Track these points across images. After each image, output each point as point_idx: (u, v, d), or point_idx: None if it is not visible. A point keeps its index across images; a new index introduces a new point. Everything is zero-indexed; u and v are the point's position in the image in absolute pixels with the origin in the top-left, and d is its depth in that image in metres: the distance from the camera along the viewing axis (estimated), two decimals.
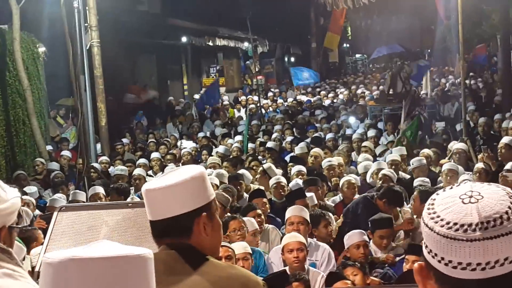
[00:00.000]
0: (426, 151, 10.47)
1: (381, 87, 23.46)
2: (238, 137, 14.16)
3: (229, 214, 6.92)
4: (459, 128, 13.06)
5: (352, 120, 16.53)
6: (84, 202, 8.38)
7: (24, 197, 8.36)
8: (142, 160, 12.29)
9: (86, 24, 13.84)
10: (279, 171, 9.68)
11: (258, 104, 20.60)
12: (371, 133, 13.07)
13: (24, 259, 5.56)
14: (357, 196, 8.10)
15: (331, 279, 5.22)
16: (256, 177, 9.79)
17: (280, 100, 23.56)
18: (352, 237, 6.17)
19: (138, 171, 10.70)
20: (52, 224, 3.21)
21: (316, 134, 14.55)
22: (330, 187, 9.32)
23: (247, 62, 31.82)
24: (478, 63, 27.82)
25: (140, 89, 21.67)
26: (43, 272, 1.48)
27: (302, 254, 5.65)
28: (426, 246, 1.42)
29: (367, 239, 6.25)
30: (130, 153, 14.48)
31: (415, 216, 7.01)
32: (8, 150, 13.08)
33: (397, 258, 6.25)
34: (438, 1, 21.01)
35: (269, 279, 4.68)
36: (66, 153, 13.24)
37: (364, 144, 11.86)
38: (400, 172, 9.60)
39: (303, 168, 9.52)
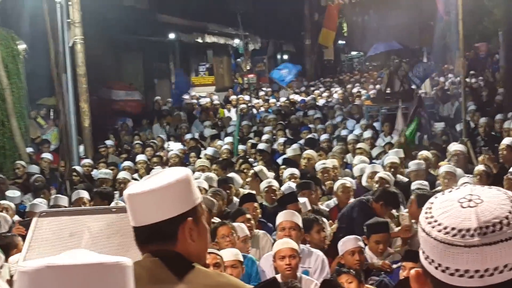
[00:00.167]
0: (424, 153, 10.48)
1: (378, 86, 23.50)
2: (228, 139, 14.15)
3: (216, 218, 6.92)
4: (459, 129, 13.09)
5: (348, 120, 16.55)
6: (66, 207, 8.35)
7: (2, 201, 8.33)
8: (127, 163, 12.25)
9: (68, 20, 13.81)
10: (271, 174, 9.67)
11: (249, 104, 20.60)
12: (367, 134, 13.08)
13: (1, 267, 5.53)
14: (352, 200, 8.10)
15: (325, 287, 5.22)
16: (247, 180, 9.78)
17: (272, 100, 23.55)
18: (346, 243, 6.17)
19: (122, 175, 10.68)
20: (31, 230, 3.19)
21: (310, 135, 14.55)
22: (324, 191, 9.32)
23: (238, 60, 31.79)
24: (480, 61, 27.97)
25: (125, 86, 21.59)
26: (18, 281, 1.48)
27: (295, 261, 5.65)
28: (423, 252, 1.42)
29: (363, 245, 6.25)
30: (114, 156, 14.44)
31: (413, 221, 7.01)
32: None
33: (394, 265, 6.25)
34: None
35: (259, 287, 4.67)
36: (47, 155, 13.18)
37: (358, 145, 11.85)
38: (397, 175, 9.62)
39: (296, 171, 9.51)
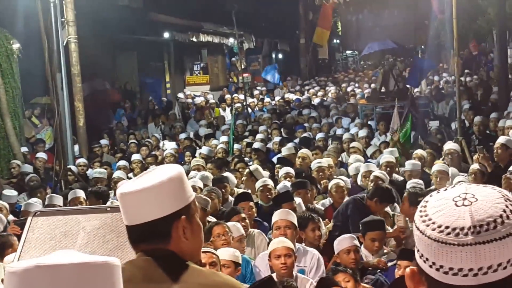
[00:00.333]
0: (419, 151, 10.50)
1: (372, 85, 23.53)
2: (223, 138, 14.15)
3: (212, 218, 6.92)
4: (454, 128, 13.11)
5: (343, 119, 16.55)
6: (61, 206, 8.34)
7: None
8: (122, 162, 12.25)
9: (62, 19, 13.78)
10: (266, 173, 9.67)
11: (244, 103, 20.59)
12: (362, 133, 13.07)
13: None
14: (347, 198, 8.11)
15: (322, 285, 5.22)
16: (242, 179, 9.78)
17: (267, 99, 23.56)
18: (342, 242, 6.18)
19: (118, 174, 10.67)
20: (26, 230, 3.18)
21: (304, 134, 14.56)
22: (319, 190, 9.32)
23: (233, 59, 31.78)
24: (474, 60, 28.00)
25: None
26: (7, 281, 1.48)
27: (290, 260, 5.65)
28: (418, 250, 1.42)
29: (358, 244, 6.26)
30: (109, 155, 14.43)
31: (408, 222, 7.02)
32: None
33: (389, 264, 6.26)
34: None
35: (256, 287, 4.67)
36: (41, 155, 13.17)
37: (352, 144, 11.83)
38: (393, 174, 9.63)
39: (291, 170, 9.52)
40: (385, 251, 6.65)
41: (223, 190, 8.46)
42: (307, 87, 28.69)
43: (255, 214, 7.68)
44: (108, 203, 8.13)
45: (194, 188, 7.85)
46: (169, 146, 14.10)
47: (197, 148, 13.94)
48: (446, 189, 1.45)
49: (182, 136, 15.63)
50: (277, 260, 5.65)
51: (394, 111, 13.29)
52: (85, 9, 15.55)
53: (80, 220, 3.18)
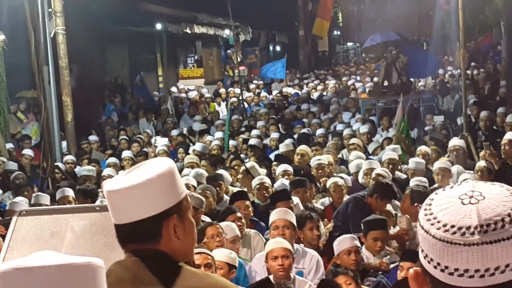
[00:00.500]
0: (423, 148, 10.49)
1: (375, 79, 23.55)
2: (218, 134, 14.14)
3: (206, 217, 6.91)
4: (459, 123, 13.11)
5: (344, 113, 16.56)
6: (47, 205, 8.32)
7: None
8: (112, 159, 12.24)
9: (50, 10, 13.75)
10: (262, 171, 9.67)
11: (240, 97, 20.59)
12: (363, 128, 13.06)
13: None
14: (347, 197, 8.12)
15: (323, 287, 5.23)
16: (238, 177, 9.78)
17: (264, 93, 23.57)
18: (342, 243, 6.18)
19: (107, 171, 10.66)
20: (10, 230, 3.18)
21: (303, 130, 14.56)
22: (319, 188, 9.32)
23: (228, 51, 31.78)
24: (481, 52, 28.02)
25: None
26: None
27: (288, 262, 5.64)
28: (422, 250, 1.42)
29: (359, 245, 6.26)
30: (98, 152, 14.42)
31: (410, 220, 7.02)
32: None
33: (391, 265, 6.26)
34: None
35: None
36: (28, 151, 13.14)
37: (352, 141, 11.80)
38: (396, 172, 9.63)
39: (289, 168, 9.51)
40: (387, 250, 6.65)
41: (217, 189, 8.45)
42: (306, 81, 28.72)
43: (252, 214, 7.67)
44: (98, 202, 8.11)
45: (188, 186, 7.84)
46: (161, 142, 14.10)
47: (191, 144, 13.93)
48: (452, 187, 1.45)
49: (174, 132, 15.62)
50: (274, 262, 5.65)
51: (398, 106, 13.29)
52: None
53: (68, 219, 3.18)
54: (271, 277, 5.62)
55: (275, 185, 8.63)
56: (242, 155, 11.96)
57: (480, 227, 1.34)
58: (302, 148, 10.91)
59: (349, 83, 26.09)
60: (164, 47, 27.00)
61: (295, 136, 13.82)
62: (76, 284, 1.49)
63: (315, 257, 6.32)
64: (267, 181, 8.54)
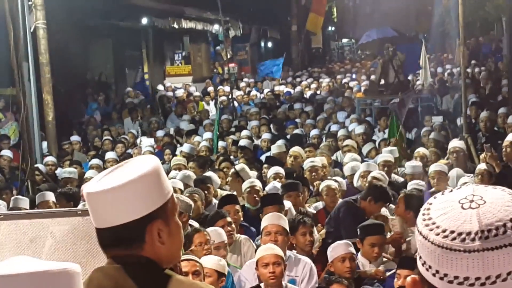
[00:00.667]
0: (421, 150, 10.51)
1: (372, 77, 23.58)
2: (207, 134, 14.13)
3: (194, 222, 6.89)
4: (459, 124, 13.14)
5: (339, 113, 16.56)
6: (27, 209, 8.30)
7: None
8: (95, 161, 12.21)
9: (30, 3, 13.70)
10: (253, 173, 9.67)
11: (230, 96, 20.57)
12: (359, 129, 13.07)
13: None
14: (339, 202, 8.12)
15: None
16: (227, 180, 9.77)
17: (253, 92, 23.52)
18: (336, 249, 6.18)
19: (90, 174, 10.62)
20: None
21: (296, 131, 14.56)
22: (312, 192, 9.32)
23: (218, 47, 31.74)
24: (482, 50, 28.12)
25: None
26: None
27: (279, 269, 5.64)
28: (420, 257, 1.42)
29: (354, 251, 6.26)
30: (81, 153, 14.38)
31: (406, 225, 7.03)
32: None
33: (388, 273, 6.27)
34: None
35: None
36: (6, 152, 13.08)
37: (346, 142, 11.80)
38: (392, 175, 9.65)
39: (281, 170, 9.51)
40: (384, 259, 6.65)
41: (206, 192, 8.43)
42: (298, 79, 28.71)
43: (242, 218, 7.66)
44: (80, 206, 8.10)
45: (174, 189, 7.80)
46: (146, 143, 14.07)
47: (178, 145, 13.90)
48: (451, 191, 1.45)
49: (160, 133, 15.60)
50: (265, 269, 5.64)
51: (394, 105, 13.28)
52: None
53: (48, 224, 3.17)
54: (262, 285, 5.62)
55: (267, 188, 8.62)
56: (231, 157, 11.95)
57: (481, 233, 1.34)
58: (295, 149, 10.90)
59: (344, 81, 26.11)
60: (150, 43, 26.94)
61: (288, 137, 13.82)
62: None
63: (308, 265, 6.31)
64: (258, 184, 8.53)
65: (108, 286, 2.18)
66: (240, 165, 9.87)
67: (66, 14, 17.92)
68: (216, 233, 6.29)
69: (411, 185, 8.31)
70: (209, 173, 9.44)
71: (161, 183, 2.26)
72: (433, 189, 8.48)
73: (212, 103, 21.52)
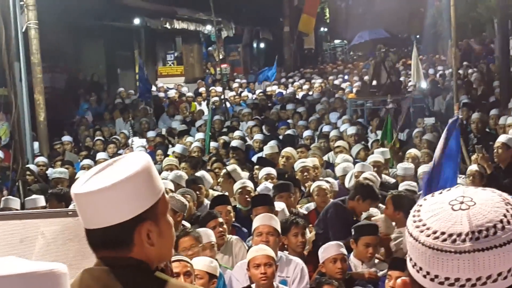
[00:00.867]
0: (413, 151, 10.52)
1: (365, 77, 23.61)
2: (199, 135, 14.12)
3: (185, 223, 6.87)
4: None
5: (332, 114, 16.57)
6: (17, 210, 8.27)
7: None
8: (86, 161, 12.19)
9: (22, 3, 13.67)
10: (245, 174, 9.66)
11: (222, 97, 20.56)
12: (351, 130, 13.08)
13: None
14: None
15: None
16: (219, 181, 9.76)
17: (245, 93, 23.51)
18: (328, 250, 6.18)
19: (81, 174, 10.60)
20: None
21: (288, 131, 14.56)
22: (304, 193, 9.32)
23: (210, 48, 31.76)
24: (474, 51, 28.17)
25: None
26: None
27: (271, 270, 5.63)
28: (411, 259, 1.42)
29: (345, 252, 6.26)
30: (72, 153, 14.36)
31: (393, 223, 7.01)
32: None
33: (379, 274, 6.27)
34: None
35: None
36: None
37: (338, 143, 11.80)
38: (384, 176, 9.65)
39: (272, 171, 9.51)
40: (376, 260, 6.65)
41: (197, 192, 8.43)
42: (291, 80, 28.73)
43: (233, 219, 7.66)
44: (71, 207, 8.08)
45: (165, 191, 7.79)
46: (138, 143, 14.05)
47: (170, 146, 13.89)
48: (441, 192, 1.45)
49: (151, 133, 15.58)
50: (256, 270, 5.63)
51: (390, 107, 13.32)
52: None
53: (38, 225, 3.15)
54: (253, 286, 5.61)
55: (258, 189, 8.62)
56: (223, 158, 11.94)
57: (471, 234, 1.34)
58: (288, 150, 10.91)
59: (336, 82, 26.14)
60: (142, 43, 26.93)
61: (280, 137, 13.82)
62: None
63: (300, 265, 6.30)
64: (250, 185, 8.53)
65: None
66: (232, 166, 9.87)
67: (58, 14, 17.88)
68: (205, 234, 6.25)
69: (402, 186, 8.31)
70: (201, 173, 9.43)
71: (151, 183, 2.22)
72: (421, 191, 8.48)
73: (204, 103, 21.52)
